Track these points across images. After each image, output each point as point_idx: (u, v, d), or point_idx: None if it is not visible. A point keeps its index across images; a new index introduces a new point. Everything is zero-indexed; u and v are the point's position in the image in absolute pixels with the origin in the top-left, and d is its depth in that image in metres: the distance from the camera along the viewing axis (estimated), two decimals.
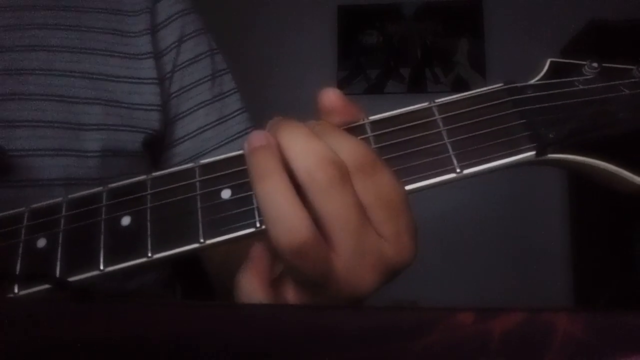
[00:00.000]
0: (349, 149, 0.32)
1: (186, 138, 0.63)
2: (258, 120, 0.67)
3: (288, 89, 2.47)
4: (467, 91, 0.36)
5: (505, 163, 0.33)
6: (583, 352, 0.19)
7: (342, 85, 2.54)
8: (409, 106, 0.36)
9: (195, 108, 0.63)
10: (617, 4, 2.10)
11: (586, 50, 2.13)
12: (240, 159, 0.34)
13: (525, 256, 2.35)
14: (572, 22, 2.19)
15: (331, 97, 0.34)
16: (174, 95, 0.62)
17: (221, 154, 0.61)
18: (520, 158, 0.33)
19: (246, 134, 0.64)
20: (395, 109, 0.36)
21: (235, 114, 0.65)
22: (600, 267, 2.05)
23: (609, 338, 0.20)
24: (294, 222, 0.30)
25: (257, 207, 0.33)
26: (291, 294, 0.33)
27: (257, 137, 0.32)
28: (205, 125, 0.63)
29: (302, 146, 0.31)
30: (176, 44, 0.63)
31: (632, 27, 1.95)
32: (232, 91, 0.66)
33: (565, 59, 0.36)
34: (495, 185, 2.14)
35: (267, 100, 2.32)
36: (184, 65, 0.63)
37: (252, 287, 0.33)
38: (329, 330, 0.21)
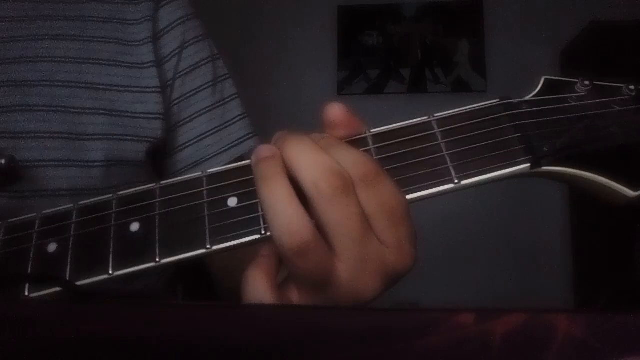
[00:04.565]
0: (353, 160, 0.33)
1: (187, 145, 0.63)
2: (259, 121, 0.68)
3: (288, 89, 2.47)
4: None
5: (501, 175, 0.35)
6: (583, 353, 0.20)
7: (342, 85, 2.54)
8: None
9: (197, 115, 0.63)
10: (618, 5, 2.10)
11: (586, 51, 2.13)
12: (246, 169, 0.35)
13: (525, 257, 2.35)
14: (573, 23, 2.19)
15: (336, 111, 0.35)
16: (175, 102, 0.63)
17: (222, 160, 0.62)
18: (516, 170, 0.35)
19: (247, 140, 0.65)
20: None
21: (236, 119, 0.65)
22: (600, 267, 2.05)
23: (609, 339, 0.20)
24: (295, 222, 0.31)
25: (263, 215, 0.34)
26: (295, 298, 0.34)
27: (265, 150, 0.34)
28: (207, 132, 0.63)
29: (308, 158, 0.32)
30: (177, 50, 0.63)
31: (633, 28, 1.95)
32: (233, 97, 0.66)
33: (564, 63, 0.37)
34: (495, 186, 2.14)
35: (268, 100, 2.32)
36: (185, 72, 0.63)
37: (258, 284, 0.34)
38: (331, 331, 0.21)
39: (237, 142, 0.64)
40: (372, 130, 0.36)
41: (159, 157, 0.63)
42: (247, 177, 0.35)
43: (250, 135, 0.65)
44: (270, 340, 0.21)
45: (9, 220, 0.37)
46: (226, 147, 0.63)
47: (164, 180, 0.37)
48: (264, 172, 0.33)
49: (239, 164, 0.36)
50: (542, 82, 0.38)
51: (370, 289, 0.33)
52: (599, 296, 1.95)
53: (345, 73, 2.56)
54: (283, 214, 0.31)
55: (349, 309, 0.30)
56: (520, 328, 0.20)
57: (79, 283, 0.34)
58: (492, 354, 0.20)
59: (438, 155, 0.35)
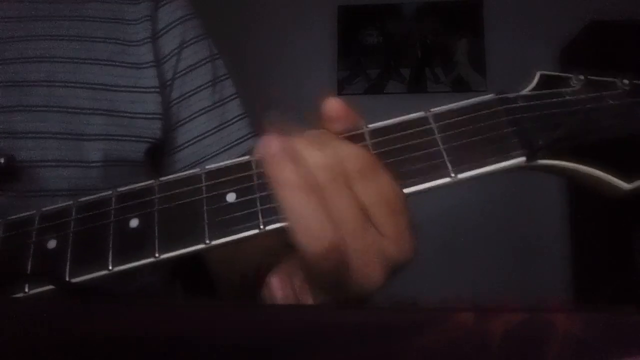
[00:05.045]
0: (349, 154, 0.34)
1: (187, 145, 0.63)
2: (259, 121, 0.68)
3: (288, 89, 2.47)
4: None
5: (497, 168, 0.35)
6: (583, 352, 0.20)
7: (343, 85, 2.54)
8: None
9: (196, 115, 0.63)
10: (617, 4, 2.10)
11: (586, 50, 2.13)
12: (245, 165, 0.36)
13: (524, 254, 2.35)
14: (572, 22, 2.19)
15: (334, 105, 0.36)
16: (174, 102, 0.63)
17: (222, 160, 0.62)
18: (511, 163, 0.35)
19: (247, 139, 0.65)
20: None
21: (236, 119, 0.65)
22: (600, 267, 2.05)
23: (608, 337, 0.20)
24: (323, 230, 0.32)
25: (261, 210, 0.34)
26: (310, 297, 0.35)
27: (275, 144, 0.34)
28: (206, 132, 0.63)
29: (309, 154, 0.33)
30: (177, 50, 0.63)
31: (632, 28, 1.95)
32: (233, 96, 0.66)
33: (563, 62, 0.38)
34: (494, 184, 2.15)
35: (268, 100, 2.32)
36: (184, 72, 0.63)
37: (282, 294, 0.36)
38: (330, 329, 0.21)
39: (237, 142, 0.64)
40: (369, 126, 0.37)
41: (158, 157, 0.63)
42: (246, 173, 0.35)
43: (250, 135, 0.65)
44: (270, 339, 0.21)
45: (8, 218, 0.37)
46: (226, 147, 0.63)
47: None
48: (285, 177, 0.33)
49: (238, 159, 0.36)
50: (537, 77, 0.39)
51: (373, 279, 0.33)
52: (598, 294, 1.95)
53: (345, 73, 2.56)
54: (312, 223, 0.32)
55: (349, 307, 0.30)
56: (520, 326, 0.20)
57: (78, 279, 0.34)
58: (491, 352, 0.20)
59: (434, 149, 0.35)
